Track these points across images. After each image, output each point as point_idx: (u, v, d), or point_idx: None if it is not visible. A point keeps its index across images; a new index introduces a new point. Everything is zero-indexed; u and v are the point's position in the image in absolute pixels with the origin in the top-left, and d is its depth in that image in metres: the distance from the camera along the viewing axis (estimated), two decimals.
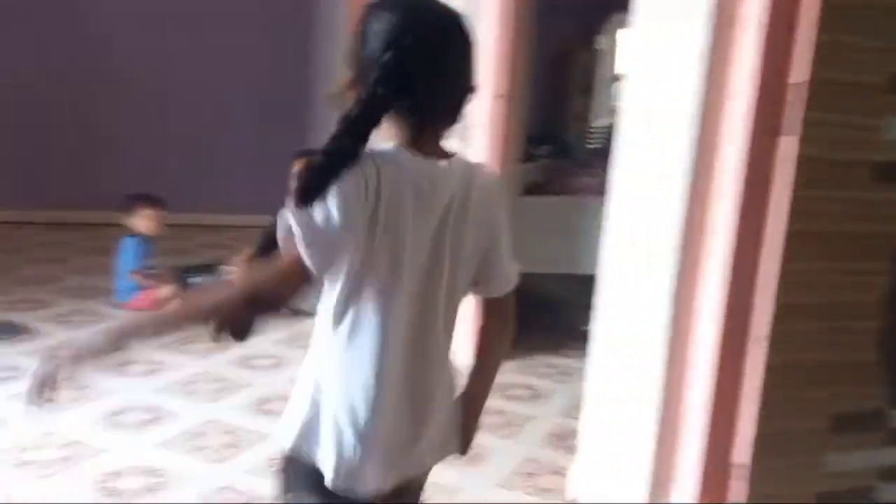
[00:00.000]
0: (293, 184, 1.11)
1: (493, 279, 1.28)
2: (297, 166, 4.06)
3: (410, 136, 1.16)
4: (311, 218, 1.08)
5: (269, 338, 3.64)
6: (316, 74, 6.17)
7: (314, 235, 1.08)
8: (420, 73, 1.13)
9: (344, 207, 1.08)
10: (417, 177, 1.15)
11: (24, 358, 3.12)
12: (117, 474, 2.30)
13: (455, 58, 1.17)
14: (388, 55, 1.10)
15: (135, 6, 5.69)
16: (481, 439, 2.70)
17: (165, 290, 3.95)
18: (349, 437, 1.17)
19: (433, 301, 1.20)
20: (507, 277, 1.29)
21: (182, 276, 4.22)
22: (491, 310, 1.33)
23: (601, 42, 7.58)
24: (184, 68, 5.87)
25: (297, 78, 6.14)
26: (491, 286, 1.29)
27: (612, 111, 8.29)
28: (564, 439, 2.79)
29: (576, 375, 3.44)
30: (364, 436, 1.17)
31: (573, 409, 3.07)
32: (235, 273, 4.12)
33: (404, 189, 1.13)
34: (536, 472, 2.52)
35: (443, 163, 1.17)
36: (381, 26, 1.13)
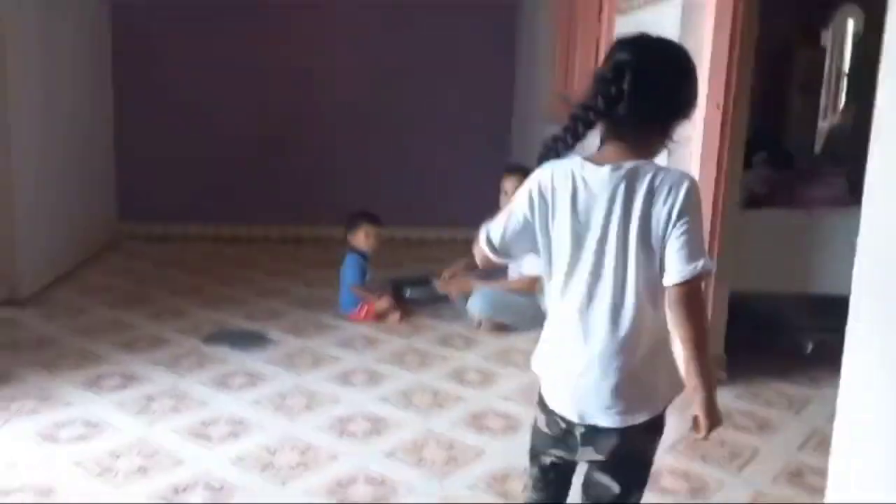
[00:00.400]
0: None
1: (665, 269, 1.46)
2: (505, 180, 4.13)
3: (602, 145, 1.51)
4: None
5: (478, 353, 3.71)
6: (518, 96, 6.26)
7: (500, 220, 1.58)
8: (620, 98, 1.43)
9: (519, 199, 1.55)
10: (586, 180, 1.48)
11: (263, 365, 3.43)
12: (348, 482, 2.44)
13: (657, 90, 1.46)
14: (601, 78, 1.45)
15: (342, 28, 6.10)
16: (707, 471, 2.56)
17: (383, 303, 4.16)
18: (549, 374, 1.60)
19: (604, 276, 1.48)
20: (673, 270, 1.44)
21: (399, 288, 4.43)
22: (668, 299, 1.48)
23: (826, 37, 6.94)
24: (394, 90, 6.19)
25: (501, 98, 6.28)
26: (665, 275, 1.46)
27: (838, 112, 7.57)
28: (800, 476, 2.56)
29: (806, 404, 3.17)
30: (556, 375, 1.58)
31: (807, 442, 2.83)
32: (447, 285, 4.27)
33: (567, 189, 1.49)
34: None
35: (613, 167, 1.46)
36: (609, 55, 1.49)
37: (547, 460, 1.65)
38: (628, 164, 1.46)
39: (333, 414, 2.96)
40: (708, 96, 2.97)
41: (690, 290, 1.44)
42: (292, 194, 6.20)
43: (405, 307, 4.28)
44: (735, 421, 2.99)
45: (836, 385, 3.37)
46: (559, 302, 1.54)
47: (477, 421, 2.93)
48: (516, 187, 4.08)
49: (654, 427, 1.55)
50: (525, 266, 4.02)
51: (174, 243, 5.91)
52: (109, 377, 3.23)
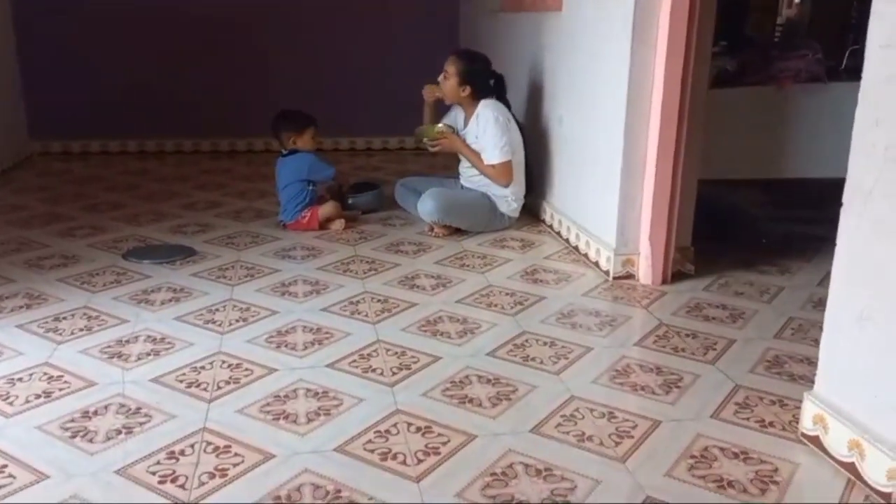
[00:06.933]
0: None
1: None
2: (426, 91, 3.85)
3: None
4: None
5: (430, 258, 3.43)
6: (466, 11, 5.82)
7: None
8: None
9: None
10: None
11: (191, 279, 3.09)
12: (287, 397, 2.16)
13: None
14: None
15: None
16: (680, 364, 2.36)
17: (329, 207, 3.83)
18: None
19: None
20: None
21: (344, 194, 4.10)
22: None
23: None
24: None
25: (446, 14, 5.83)
26: None
27: (794, 4, 7.26)
28: (779, 364, 2.37)
29: (777, 293, 3.00)
30: None
31: (783, 331, 2.65)
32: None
33: None
34: (752, 403, 2.13)
35: None
36: None
37: None
38: None
39: (269, 327, 2.65)
40: None
41: None
42: (223, 106, 5.71)
43: (350, 215, 3.96)
44: (706, 312, 2.79)
45: (806, 273, 3.23)
46: None
47: (430, 326, 2.66)
48: (457, 72, 3.76)
49: None
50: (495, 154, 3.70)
51: (93, 160, 5.41)
52: (11, 297, 2.85)
